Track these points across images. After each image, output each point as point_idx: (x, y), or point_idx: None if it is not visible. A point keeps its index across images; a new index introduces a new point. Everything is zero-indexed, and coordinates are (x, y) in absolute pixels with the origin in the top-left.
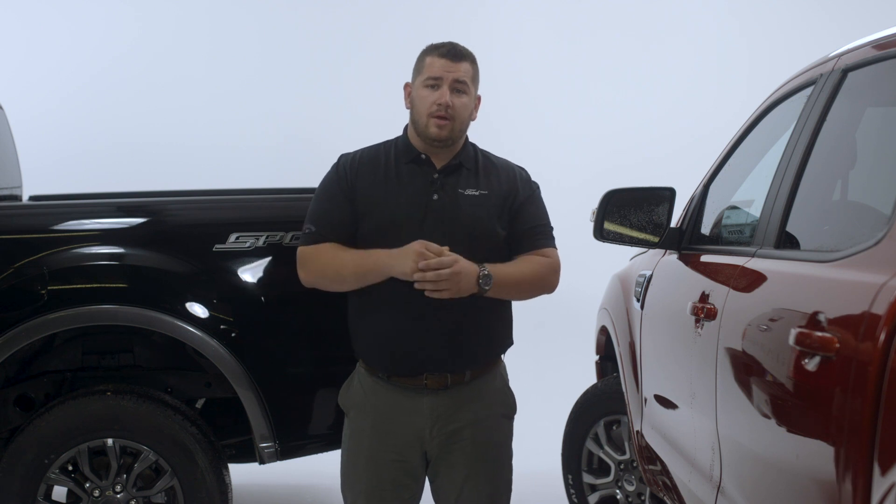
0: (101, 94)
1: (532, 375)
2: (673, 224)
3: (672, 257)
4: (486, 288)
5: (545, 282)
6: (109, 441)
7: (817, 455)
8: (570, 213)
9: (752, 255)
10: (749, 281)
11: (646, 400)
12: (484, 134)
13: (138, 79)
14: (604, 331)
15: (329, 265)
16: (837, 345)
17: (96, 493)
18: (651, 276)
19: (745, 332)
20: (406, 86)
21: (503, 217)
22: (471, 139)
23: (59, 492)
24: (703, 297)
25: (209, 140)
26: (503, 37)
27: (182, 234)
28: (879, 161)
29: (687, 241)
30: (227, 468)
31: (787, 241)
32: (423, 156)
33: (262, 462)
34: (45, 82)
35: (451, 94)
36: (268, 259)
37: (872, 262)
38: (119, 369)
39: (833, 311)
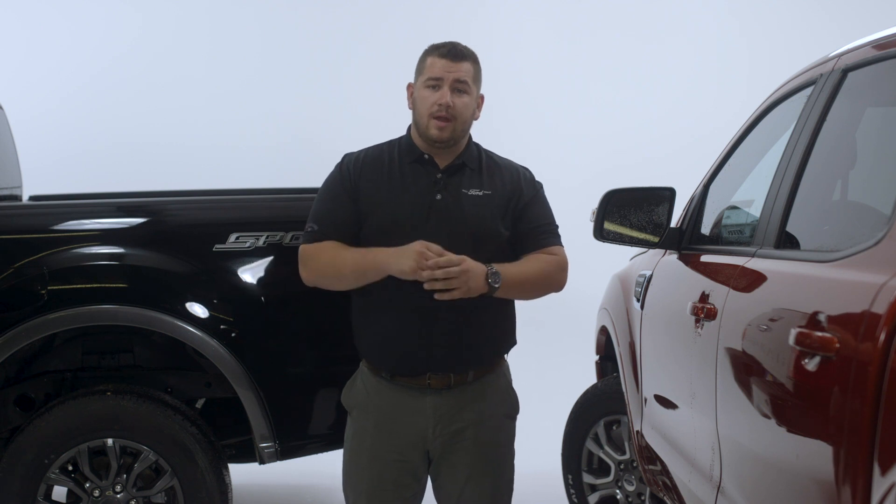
0: (101, 94)
1: (532, 375)
2: (673, 224)
3: (672, 257)
4: (496, 286)
5: (553, 280)
6: (109, 441)
7: (817, 455)
8: (570, 213)
9: (752, 255)
10: (749, 281)
11: (646, 400)
12: (484, 134)
13: (138, 79)
14: (604, 331)
15: (329, 263)
16: (837, 345)
17: (96, 493)
18: (651, 276)
19: (745, 332)
20: (408, 86)
21: (507, 217)
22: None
23: (59, 492)
24: (703, 297)
25: (209, 140)
26: (503, 37)
27: (182, 234)
28: (879, 161)
29: (687, 241)
30: (227, 468)
31: (787, 241)
32: (427, 156)
33: (262, 462)
34: (45, 82)
35: (452, 94)
36: (268, 259)
37: (872, 262)
38: (119, 369)
39: (833, 311)
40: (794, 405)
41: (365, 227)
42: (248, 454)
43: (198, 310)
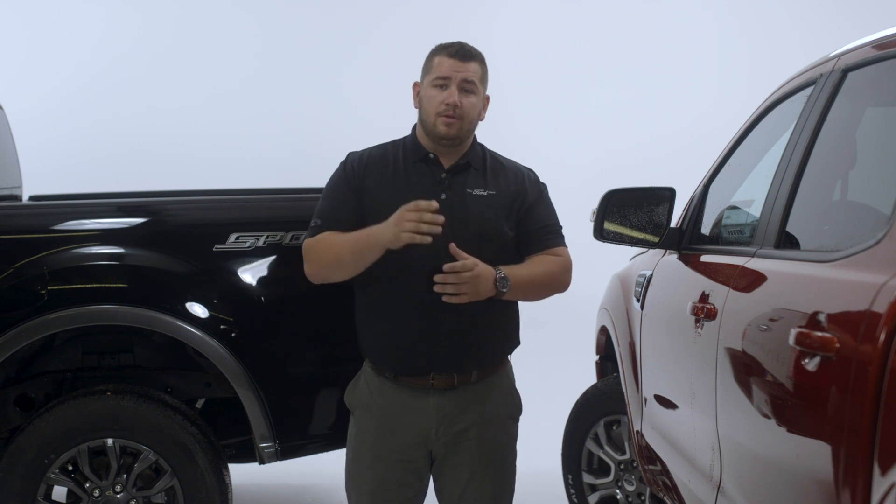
0: (101, 94)
1: (532, 375)
2: (673, 224)
3: (672, 257)
4: (504, 290)
5: (558, 281)
6: (109, 441)
7: (817, 455)
8: (570, 213)
9: (752, 255)
10: (749, 281)
11: (646, 400)
12: (484, 133)
13: (138, 79)
14: (604, 331)
15: (328, 251)
16: (837, 345)
17: (96, 493)
18: (651, 276)
19: (745, 332)
20: (415, 85)
21: (511, 218)
22: None
23: (59, 492)
24: (703, 297)
25: (209, 140)
26: (503, 37)
27: (182, 234)
28: (879, 161)
29: (687, 241)
30: (227, 468)
31: (787, 241)
32: (432, 155)
33: (262, 462)
34: (45, 82)
35: (460, 94)
36: (268, 259)
37: (872, 262)
38: (119, 369)
39: (833, 311)
40: (794, 405)
41: (369, 226)
42: (248, 454)
43: (198, 310)
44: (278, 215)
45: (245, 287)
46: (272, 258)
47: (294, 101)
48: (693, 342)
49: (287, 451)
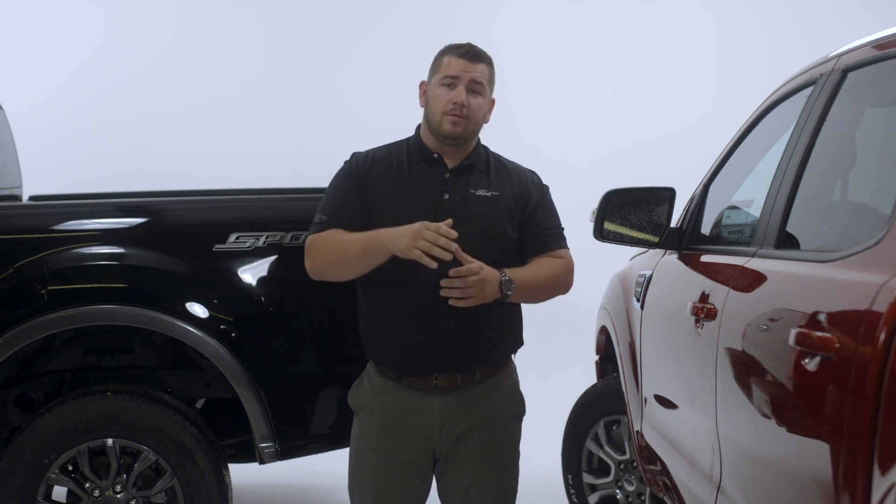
0: (101, 94)
1: (532, 376)
2: (673, 224)
3: (672, 257)
4: (509, 293)
5: (561, 283)
6: (109, 441)
7: (817, 455)
8: (570, 213)
9: (752, 255)
10: (749, 281)
11: (646, 400)
12: (484, 133)
13: (138, 79)
14: (604, 331)
15: (333, 248)
16: (837, 345)
17: (96, 493)
18: (651, 276)
19: (745, 332)
20: (421, 84)
21: (514, 219)
22: None
23: (59, 492)
24: (703, 297)
25: (209, 140)
26: (503, 37)
27: (182, 234)
28: (879, 161)
29: (687, 241)
30: (227, 468)
31: (787, 241)
32: (436, 155)
33: (262, 462)
34: (45, 82)
35: (467, 94)
36: (268, 259)
37: (872, 262)
38: (119, 369)
39: (833, 311)
40: (794, 405)
41: (372, 225)
42: (248, 454)
43: (198, 310)
44: (278, 215)
45: (245, 287)
46: (272, 258)
47: (294, 101)
48: (693, 342)
49: (287, 451)
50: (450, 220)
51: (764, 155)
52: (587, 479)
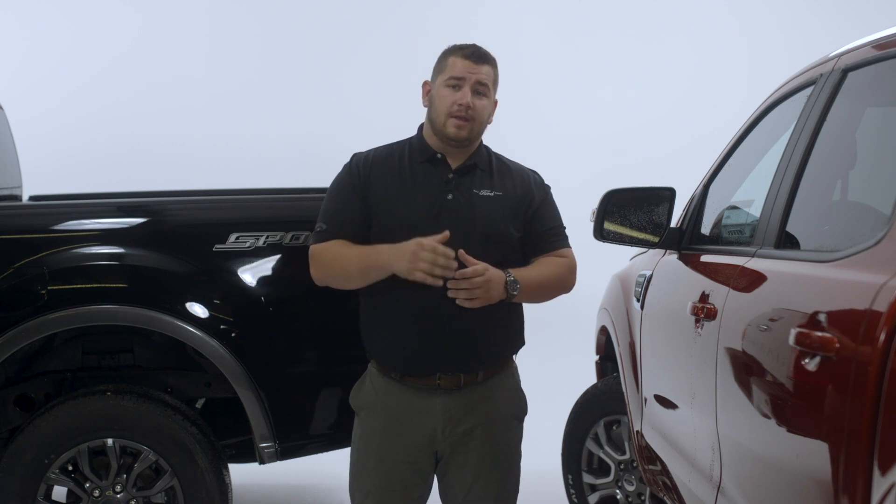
0: (101, 94)
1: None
2: (673, 224)
3: (672, 257)
4: (515, 293)
5: (565, 282)
6: (109, 441)
7: (817, 455)
8: (570, 213)
9: (752, 255)
10: (749, 281)
11: (646, 400)
12: (485, 133)
13: (138, 79)
14: (604, 331)
15: (335, 262)
16: (837, 345)
17: (96, 493)
18: (651, 276)
19: (745, 332)
20: (425, 84)
21: (517, 219)
22: None
23: (59, 492)
24: (703, 297)
25: (209, 140)
26: (503, 37)
27: (182, 234)
28: (879, 161)
29: (687, 241)
30: (227, 468)
31: (787, 241)
32: (439, 155)
33: (262, 462)
34: (45, 82)
35: (472, 96)
36: (268, 259)
37: (872, 262)
38: (119, 369)
39: (833, 311)
40: (794, 405)
41: (375, 227)
42: (248, 454)
43: (198, 310)
44: (278, 215)
45: (245, 287)
46: (272, 258)
47: (294, 101)
48: (693, 342)
49: (287, 451)
50: (446, 234)
51: (764, 155)
52: (587, 479)
